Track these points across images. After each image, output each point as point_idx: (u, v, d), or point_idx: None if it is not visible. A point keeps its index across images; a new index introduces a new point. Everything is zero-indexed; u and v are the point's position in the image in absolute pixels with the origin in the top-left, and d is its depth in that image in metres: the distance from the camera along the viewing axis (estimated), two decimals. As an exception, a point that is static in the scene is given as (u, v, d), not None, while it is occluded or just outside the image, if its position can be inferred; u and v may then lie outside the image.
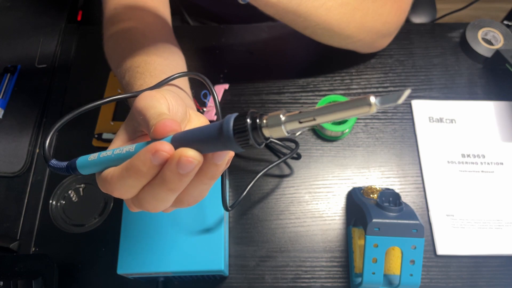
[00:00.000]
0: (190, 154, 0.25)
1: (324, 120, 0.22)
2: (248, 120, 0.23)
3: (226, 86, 0.63)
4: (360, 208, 0.47)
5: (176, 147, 0.26)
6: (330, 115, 0.21)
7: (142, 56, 0.45)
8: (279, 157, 0.58)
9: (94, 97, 0.63)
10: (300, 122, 0.22)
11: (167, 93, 0.31)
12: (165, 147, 0.25)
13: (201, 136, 0.25)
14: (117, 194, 0.29)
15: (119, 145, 0.32)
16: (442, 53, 0.65)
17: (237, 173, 0.57)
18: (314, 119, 0.22)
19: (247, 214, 0.55)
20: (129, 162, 0.27)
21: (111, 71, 0.64)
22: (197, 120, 0.33)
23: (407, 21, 0.69)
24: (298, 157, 0.57)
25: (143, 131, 0.31)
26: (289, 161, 0.58)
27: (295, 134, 0.60)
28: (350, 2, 0.50)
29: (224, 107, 0.62)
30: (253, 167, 0.58)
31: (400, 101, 0.19)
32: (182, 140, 0.26)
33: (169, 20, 0.56)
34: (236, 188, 0.56)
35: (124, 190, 0.28)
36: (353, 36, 0.54)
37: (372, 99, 0.20)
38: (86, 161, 0.30)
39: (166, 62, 0.46)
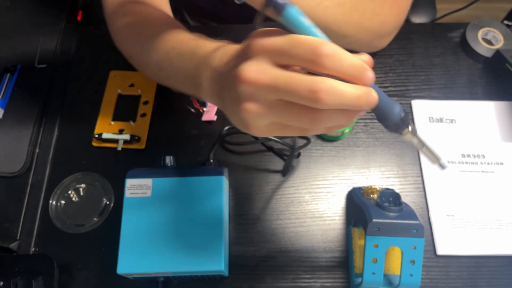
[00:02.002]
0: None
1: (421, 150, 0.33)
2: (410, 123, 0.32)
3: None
4: (360, 208, 0.47)
5: None
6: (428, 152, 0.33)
7: (176, 35, 0.45)
8: (281, 157, 0.58)
9: (94, 97, 0.63)
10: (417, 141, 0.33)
11: None
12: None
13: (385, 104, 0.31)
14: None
15: None
16: (442, 53, 0.65)
17: (237, 174, 0.57)
18: (421, 147, 0.33)
19: (247, 214, 0.55)
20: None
21: (111, 71, 0.65)
22: None
23: (407, 21, 0.69)
24: (298, 155, 0.57)
25: None
26: (289, 161, 0.58)
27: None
28: (346, 1, 0.49)
29: (224, 107, 0.62)
30: (253, 165, 0.58)
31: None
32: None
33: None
34: (236, 188, 0.56)
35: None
36: (351, 36, 0.54)
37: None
38: (298, 17, 0.30)
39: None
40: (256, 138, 0.58)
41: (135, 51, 0.51)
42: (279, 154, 0.58)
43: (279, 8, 0.30)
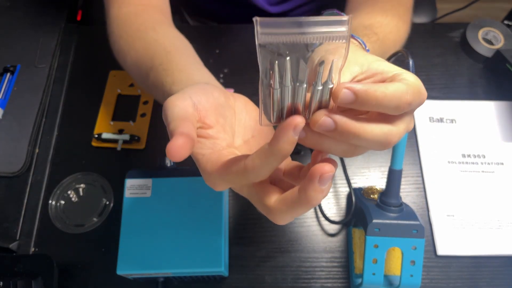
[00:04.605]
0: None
1: None
2: None
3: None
4: (361, 208, 0.47)
5: None
6: None
7: (161, 52, 0.45)
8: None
9: (94, 97, 0.63)
10: None
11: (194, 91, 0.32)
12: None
13: None
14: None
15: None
16: (443, 53, 0.65)
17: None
18: None
19: (247, 214, 0.55)
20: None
21: (111, 71, 0.64)
22: (242, 99, 0.38)
23: (408, 21, 0.69)
24: (299, 151, 0.57)
25: None
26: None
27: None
28: (401, 28, 0.49)
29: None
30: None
31: None
32: None
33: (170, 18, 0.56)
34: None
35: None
36: None
37: None
38: None
39: (185, 52, 0.47)
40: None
41: (125, 62, 0.51)
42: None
43: None
